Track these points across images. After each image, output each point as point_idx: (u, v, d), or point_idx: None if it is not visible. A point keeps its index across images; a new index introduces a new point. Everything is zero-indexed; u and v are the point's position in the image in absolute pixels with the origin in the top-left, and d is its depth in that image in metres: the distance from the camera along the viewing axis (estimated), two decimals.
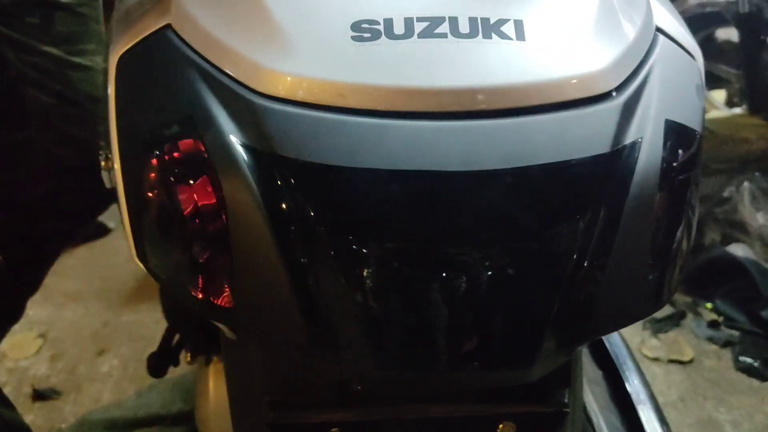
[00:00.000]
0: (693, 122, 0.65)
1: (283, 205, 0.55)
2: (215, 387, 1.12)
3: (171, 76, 0.64)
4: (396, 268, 0.54)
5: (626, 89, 0.61)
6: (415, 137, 0.56)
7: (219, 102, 0.60)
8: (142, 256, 0.66)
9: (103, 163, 0.79)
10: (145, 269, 0.67)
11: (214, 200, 0.58)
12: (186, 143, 0.60)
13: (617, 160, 0.58)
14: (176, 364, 1.39)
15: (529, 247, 0.55)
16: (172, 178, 0.60)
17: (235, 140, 0.57)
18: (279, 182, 0.56)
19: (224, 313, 0.60)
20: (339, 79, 0.57)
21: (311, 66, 0.58)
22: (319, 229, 0.55)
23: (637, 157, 0.59)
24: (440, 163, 0.55)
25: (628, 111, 0.60)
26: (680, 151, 0.62)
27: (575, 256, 0.55)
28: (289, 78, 0.58)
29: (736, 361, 1.93)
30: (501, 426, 0.71)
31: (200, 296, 0.61)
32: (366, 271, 0.54)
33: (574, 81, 0.59)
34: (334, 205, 0.55)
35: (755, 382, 1.86)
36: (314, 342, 0.56)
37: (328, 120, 0.56)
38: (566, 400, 0.73)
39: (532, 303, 0.56)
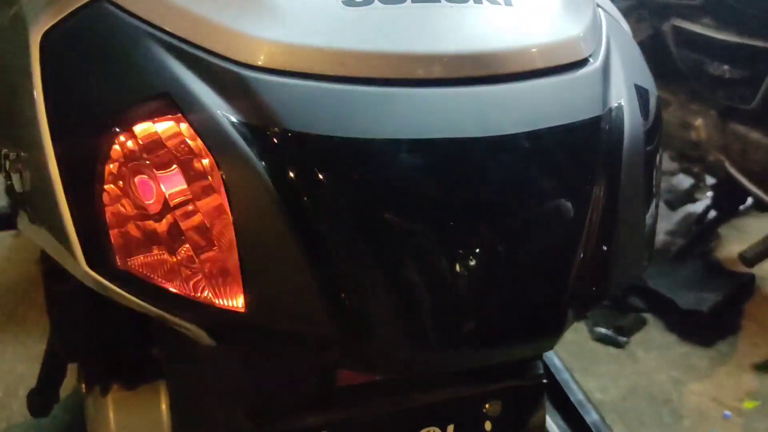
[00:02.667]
0: (651, 87, 0.68)
1: (297, 184, 0.51)
2: (117, 418, 1.02)
3: (126, 53, 0.56)
4: (431, 239, 0.52)
5: (599, 55, 0.62)
6: (427, 104, 0.54)
7: (198, 78, 0.53)
8: (97, 263, 0.57)
9: (8, 165, 0.68)
10: (98, 278, 0.58)
11: (212, 184, 0.51)
12: (168, 123, 0.53)
13: (610, 120, 0.59)
14: (57, 399, 1.24)
15: (554, 208, 0.55)
16: (155, 163, 0.53)
17: (229, 118, 0.52)
18: (290, 159, 0.51)
19: (230, 316, 0.53)
20: (339, 47, 0.54)
21: (305, 33, 0.54)
22: (343, 206, 0.50)
23: (623, 119, 0.60)
24: (459, 130, 0.53)
25: (605, 76, 0.62)
26: (651, 113, 0.65)
27: (592, 215, 0.56)
28: (283, 47, 0.53)
29: (592, 332, 2.07)
30: (488, 406, 0.70)
31: (201, 300, 0.54)
32: (398, 245, 0.51)
33: (563, 46, 0.60)
34: (358, 179, 0.51)
35: (612, 350, 2.00)
36: (345, 331, 0.51)
37: (335, 90, 0.52)
38: (541, 372, 0.74)
39: (561, 266, 0.55)
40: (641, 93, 0.64)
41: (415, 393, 0.68)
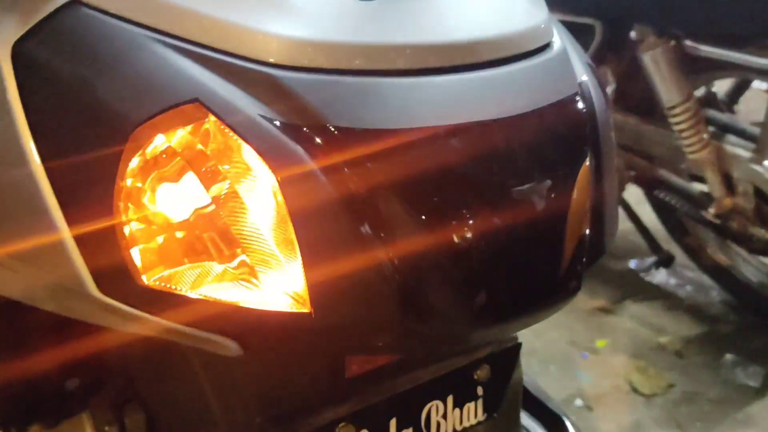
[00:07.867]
0: (591, 61, 0.75)
1: (351, 180, 0.51)
2: None
3: (132, 60, 0.53)
4: (482, 218, 0.54)
5: (557, 37, 0.68)
6: (450, 91, 0.56)
7: (226, 81, 0.52)
8: (114, 287, 0.54)
9: None
10: (113, 304, 0.54)
11: (265, 184, 0.50)
12: (206, 128, 0.50)
13: (584, 96, 0.65)
14: None
15: (567, 177, 0.59)
16: (194, 170, 0.50)
17: (271, 119, 0.51)
18: (338, 155, 0.51)
19: (293, 319, 0.52)
20: (364, 41, 0.55)
21: (328, 30, 0.55)
22: (396, 195, 0.52)
23: (590, 92, 0.67)
24: (484, 113, 0.56)
25: (568, 56, 0.67)
26: (604, 89, 0.72)
27: (594, 180, 0.61)
28: (310, 45, 0.53)
29: None
30: (478, 372, 0.74)
31: (255, 307, 0.52)
32: (455, 227, 0.53)
33: (539, 30, 0.65)
34: (406, 168, 0.52)
35: None
36: (410, 316, 0.52)
37: (368, 84, 0.53)
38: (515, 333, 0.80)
39: (579, 229, 0.60)
40: (592, 70, 0.71)
41: (417, 372, 0.71)
